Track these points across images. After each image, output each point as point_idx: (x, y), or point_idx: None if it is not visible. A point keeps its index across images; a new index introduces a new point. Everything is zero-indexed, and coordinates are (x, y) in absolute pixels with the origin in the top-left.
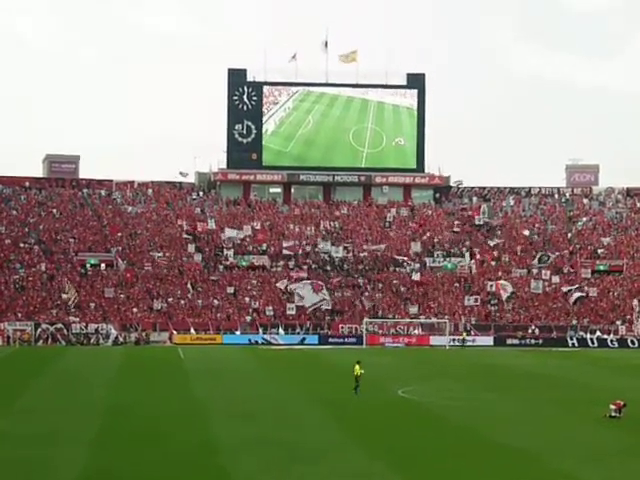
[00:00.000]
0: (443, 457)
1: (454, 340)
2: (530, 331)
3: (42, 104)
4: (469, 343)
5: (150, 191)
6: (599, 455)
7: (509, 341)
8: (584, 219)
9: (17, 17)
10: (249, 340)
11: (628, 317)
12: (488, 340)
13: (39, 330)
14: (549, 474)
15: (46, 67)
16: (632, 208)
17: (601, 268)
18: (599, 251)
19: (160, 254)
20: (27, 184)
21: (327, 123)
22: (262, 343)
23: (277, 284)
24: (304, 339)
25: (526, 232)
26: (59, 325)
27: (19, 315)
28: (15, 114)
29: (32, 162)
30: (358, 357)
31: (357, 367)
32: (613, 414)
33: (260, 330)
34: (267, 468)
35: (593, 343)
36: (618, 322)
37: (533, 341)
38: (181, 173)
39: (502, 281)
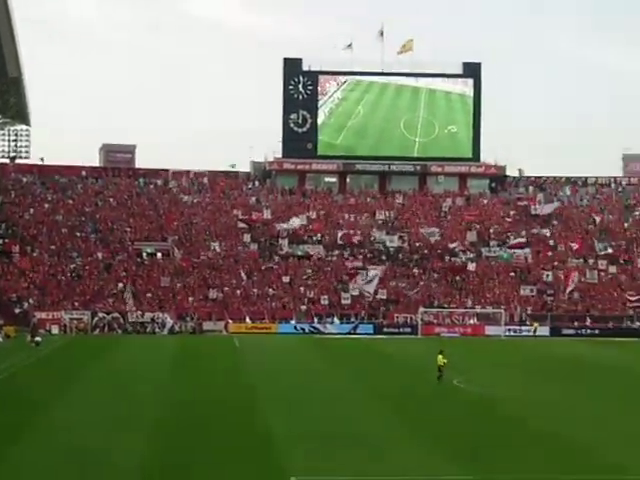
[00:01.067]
0: (495, 447)
1: (514, 331)
2: (587, 321)
3: (99, 93)
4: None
5: (206, 180)
6: None
7: (565, 331)
8: None
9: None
10: (299, 328)
11: None
12: (544, 330)
13: (95, 319)
14: (601, 467)
15: (104, 56)
16: None
17: None
18: None
19: (216, 243)
20: (84, 173)
21: (378, 113)
22: (312, 332)
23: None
24: (356, 328)
25: (583, 222)
26: (115, 314)
27: (76, 304)
28: (72, 104)
29: (89, 152)
30: (440, 347)
31: (440, 357)
32: None
33: (315, 319)
34: (323, 461)
35: None
36: None
37: (589, 331)
38: (232, 166)
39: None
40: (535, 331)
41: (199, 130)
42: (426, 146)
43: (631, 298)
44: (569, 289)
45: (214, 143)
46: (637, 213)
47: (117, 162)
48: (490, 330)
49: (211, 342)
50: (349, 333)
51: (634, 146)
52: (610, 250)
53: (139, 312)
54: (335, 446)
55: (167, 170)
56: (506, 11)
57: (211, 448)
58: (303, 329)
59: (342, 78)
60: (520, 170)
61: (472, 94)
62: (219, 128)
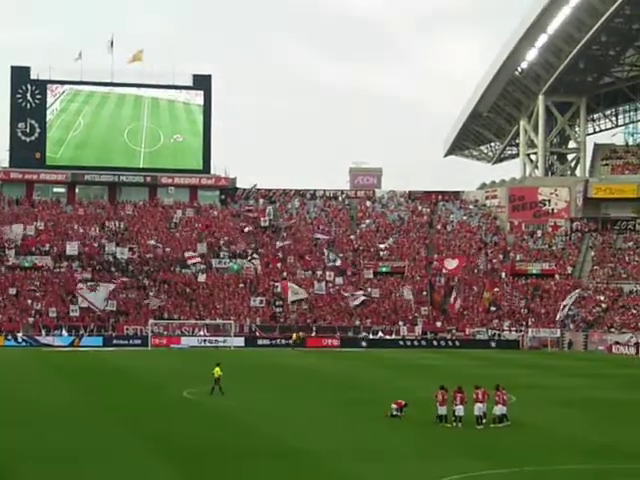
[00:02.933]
0: (224, 457)
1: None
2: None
3: None
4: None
5: None
6: (377, 454)
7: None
8: (367, 221)
9: None
10: (23, 341)
11: (410, 317)
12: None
13: None
14: (327, 474)
15: None
16: (413, 211)
17: (383, 270)
18: (381, 253)
19: None
20: None
21: (100, 123)
22: (36, 345)
23: (76, 289)
24: (81, 339)
25: (313, 234)
26: None
27: None
28: None
29: None
30: (217, 359)
31: (217, 369)
32: (395, 413)
33: (43, 332)
34: (47, 475)
35: (374, 344)
36: (400, 323)
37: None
38: None
39: (292, 284)
40: (297, 340)
41: None
42: (153, 156)
43: (354, 302)
44: (290, 299)
45: None
46: (363, 225)
47: None
48: (220, 341)
49: None
50: (72, 345)
51: (361, 160)
52: (338, 262)
53: None
54: (62, 465)
55: None
56: (240, 27)
57: None
58: (28, 342)
59: (61, 89)
60: (253, 185)
61: (201, 103)
62: None
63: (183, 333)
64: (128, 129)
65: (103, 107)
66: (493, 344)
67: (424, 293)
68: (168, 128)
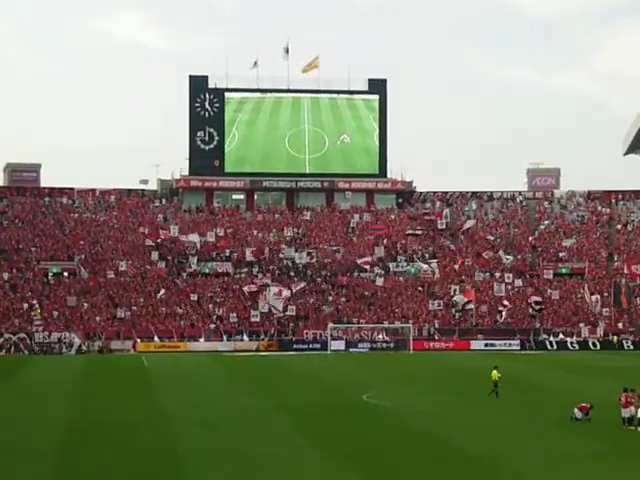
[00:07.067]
0: (404, 462)
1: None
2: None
3: (2, 112)
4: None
5: (112, 199)
6: (563, 458)
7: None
8: (546, 222)
9: None
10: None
11: (591, 319)
12: (454, 344)
13: (1, 340)
14: (507, 479)
15: (4, 74)
16: (593, 211)
17: (563, 271)
18: (561, 254)
19: (123, 262)
20: None
21: (257, 132)
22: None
23: (244, 288)
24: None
25: (489, 236)
26: (22, 335)
27: None
28: None
29: None
30: (495, 363)
31: (495, 372)
32: (578, 417)
33: (224, 337)
34: (231, 478)
35: (552, 346)
36: (581, 324)
37: (497, 343)
38: (142, 181)
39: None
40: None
41: (105, 148)
42: (320, 161)
43: (535, 307)
44: (469, 306)
45: (121, 161)
46: (542, 227)
47: (22, 181)
48: (400, 345)
49: (119, 361)
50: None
51: (538, 161)
52: (516, 263)
53: (46, 332)
54: (249, 467)
55: (72, 189)
56: (410, 28)
57: (120, 471)
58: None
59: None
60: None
61: (367, 98)
62: (126, 146)
63: (362, 337)
64: (289, 135)
65: (258, 114)
66: None
67: (605, 294)
68: (332, 129)
